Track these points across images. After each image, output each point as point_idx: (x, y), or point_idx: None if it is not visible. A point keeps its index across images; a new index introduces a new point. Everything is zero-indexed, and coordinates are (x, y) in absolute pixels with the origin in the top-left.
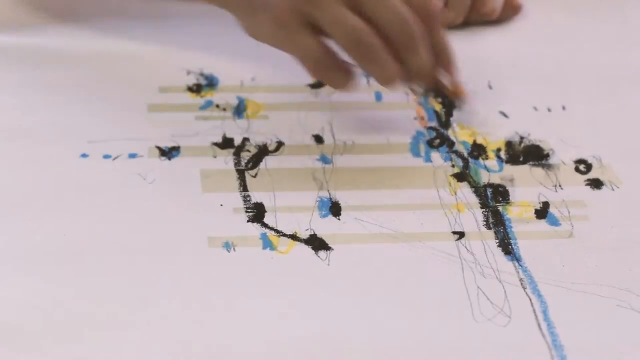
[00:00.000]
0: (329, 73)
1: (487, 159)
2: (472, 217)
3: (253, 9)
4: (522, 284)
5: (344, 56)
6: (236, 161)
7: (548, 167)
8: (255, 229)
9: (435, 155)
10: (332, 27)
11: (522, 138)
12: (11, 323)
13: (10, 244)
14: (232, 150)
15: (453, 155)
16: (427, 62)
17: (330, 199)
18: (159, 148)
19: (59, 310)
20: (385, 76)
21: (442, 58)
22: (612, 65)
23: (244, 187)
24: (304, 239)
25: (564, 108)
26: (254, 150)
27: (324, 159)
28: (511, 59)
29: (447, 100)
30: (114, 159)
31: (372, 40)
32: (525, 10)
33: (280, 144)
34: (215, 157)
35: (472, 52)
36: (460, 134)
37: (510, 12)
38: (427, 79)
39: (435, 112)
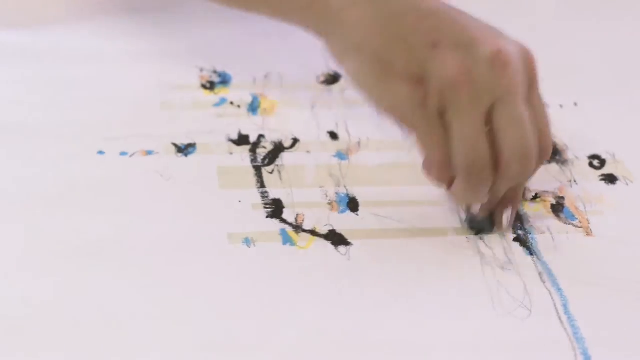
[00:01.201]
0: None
1: None
2: None
3: (385, 73)
4: (541, 277)
5: None
6: (252, 158)
7: (562, 162)
8: (275, 224)
9: None
10: (459, 140)
11: None
12: (28, 321)
13: (28, 242)
14: (248, 147)
15: None
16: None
17: (348, 194)
18: (175, 145)
19: (77, 308)
20: (468, 199)
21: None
22: (623, 61)
23: (261, 184)
24: (323, 235)
25: (575, 104)
26: (269, 147)
27: (340, 156)
28: None
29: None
30: (130, 156)
31: (486, 175)
32: (536, 6)
33: (295, 141)
34: (231, 153)
35: None
36: None
37: None
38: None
39: None
